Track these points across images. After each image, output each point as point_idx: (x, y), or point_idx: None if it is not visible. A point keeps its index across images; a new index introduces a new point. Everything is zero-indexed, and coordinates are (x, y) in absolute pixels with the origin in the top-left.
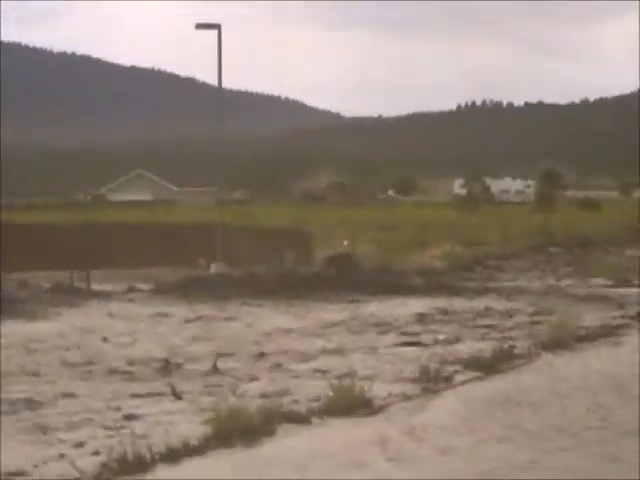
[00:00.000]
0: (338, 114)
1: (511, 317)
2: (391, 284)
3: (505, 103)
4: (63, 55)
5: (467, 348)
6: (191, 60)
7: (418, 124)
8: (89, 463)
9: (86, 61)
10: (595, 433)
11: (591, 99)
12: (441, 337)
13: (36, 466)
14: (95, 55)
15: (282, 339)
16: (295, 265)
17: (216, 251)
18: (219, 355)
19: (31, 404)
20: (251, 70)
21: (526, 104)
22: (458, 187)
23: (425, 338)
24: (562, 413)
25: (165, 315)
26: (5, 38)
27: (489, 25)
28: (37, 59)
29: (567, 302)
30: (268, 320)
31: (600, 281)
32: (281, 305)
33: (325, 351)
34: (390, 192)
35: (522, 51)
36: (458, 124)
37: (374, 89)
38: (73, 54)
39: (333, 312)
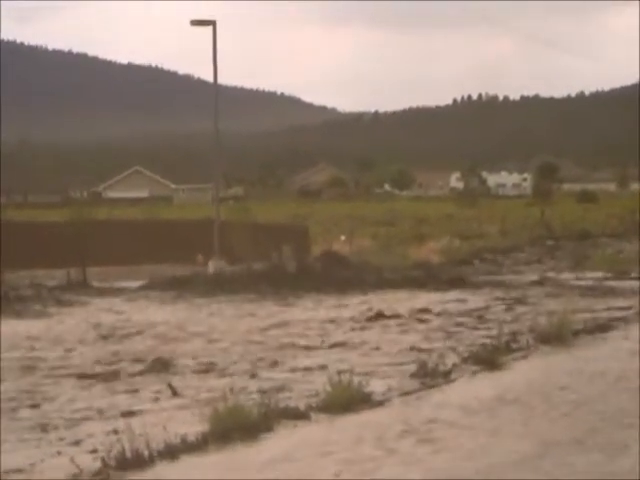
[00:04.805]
0: (334, 109)
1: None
2: (386, 279)
3: (501, 97)
4: (59, 53)
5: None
6: (190, 58)
7: (414, 119)
8: None
9: (82, 59)
10: None
11: (587, 92)
12: None
13: None
14: (91, 53)
15: None
16: (293, 261)
17: (213, 247)
18: None
19: None
20: (248, 67)
21: (522, 98)
22: (454, 181)
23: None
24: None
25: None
26: (2, 36)
27: (486, 20)
28: (33, 57)
29: (566, 295)
30: None
31: (598, 274)
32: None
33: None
34: (386, 186)
35: (519, 45)
36: (454, 118)
37: (370, 85)
38: (70, 52)
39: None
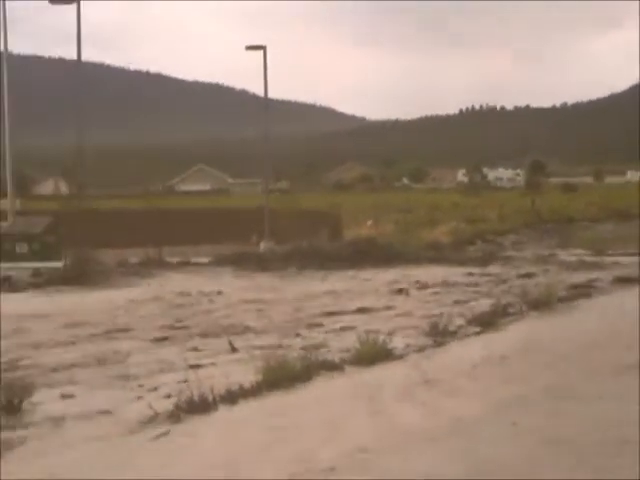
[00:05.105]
0: (363, 118)
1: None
2: (407, 257)
3: (498, 107)
4: (139, 73)
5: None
6: (244, 75)
7: (428, 125)
8: None
9: (158, 77)
10: None
11: (569, 103)
12: None
13: None
14: (165, 72)
15: None
16: (330, 241)
17: (264, 230)
18: None
19: None
20: (291, 82)
21: (515, 108)
22: (461, 176)
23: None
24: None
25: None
26: (90, 58)
27: (489, 42)
28: (118, 77)
29: (553, 268)
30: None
31: (580, 251)
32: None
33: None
34: (405, 180)
35: (515, 64)
36: (461, 125)
37: (393, 97)
38: (147, 72)
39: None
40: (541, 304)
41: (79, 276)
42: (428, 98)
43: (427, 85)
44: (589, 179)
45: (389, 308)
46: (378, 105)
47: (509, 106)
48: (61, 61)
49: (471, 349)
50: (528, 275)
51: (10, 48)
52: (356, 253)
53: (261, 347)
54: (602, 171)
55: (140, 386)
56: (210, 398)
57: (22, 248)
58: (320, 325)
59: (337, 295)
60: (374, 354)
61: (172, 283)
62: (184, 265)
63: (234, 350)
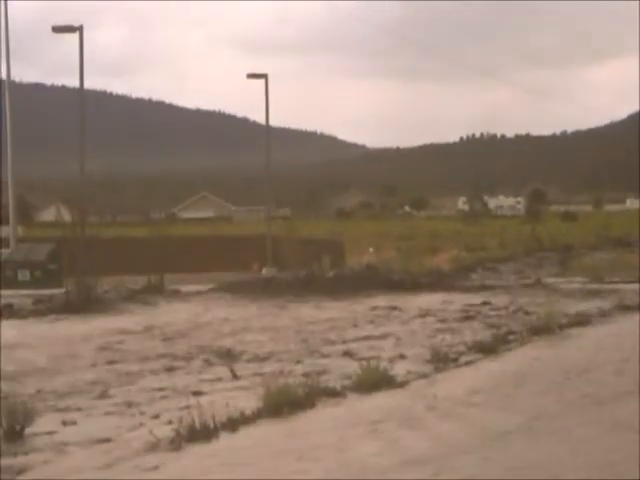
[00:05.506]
0: (364, 146)
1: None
2: (409, 283)
3: (499, 135)
4: (141, 101)
5: None
6: (245, 103)
7: (429, 153)
8: None
9: (160, 105)
10: None
11: (569, 131)
12: None
13: None
14: (167, 100)
15: None
16: (332, 269)
17: (266, 257)
18: None
19: None
20: (293, 111)
21: (516, 136)
22: (461, 203)
23: None
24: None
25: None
26: (92, 86)
27: (487, 72)
28: (120, 104)
29: (553, 296)
30: None
31: (580, 278)
32: None
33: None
34: (406, 208)
35: (512, 93)
36: (461, 153)
37: (393, 125)
38: (150, 100)
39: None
40: (541, 331)
41: (80, 304)
42: (429, 126)
43: (428, 113)
44: (589, 207)
45: (391, 335)
46: (379, 133)
47: (510, 134)
48: (64, 89)
49: (470, 376)
50: (529, 302)
51: (13, 76)
52: (357, 281)
53: (262, 374)
54: (601, 199)
55: (142, 413)
56: (211, 425)
57: (24, 275)
58: (320, 352)
59: (337, 322)
60: (375, 381)
61: (172, 311)
62: (185, 293)
63: (235, 376)
